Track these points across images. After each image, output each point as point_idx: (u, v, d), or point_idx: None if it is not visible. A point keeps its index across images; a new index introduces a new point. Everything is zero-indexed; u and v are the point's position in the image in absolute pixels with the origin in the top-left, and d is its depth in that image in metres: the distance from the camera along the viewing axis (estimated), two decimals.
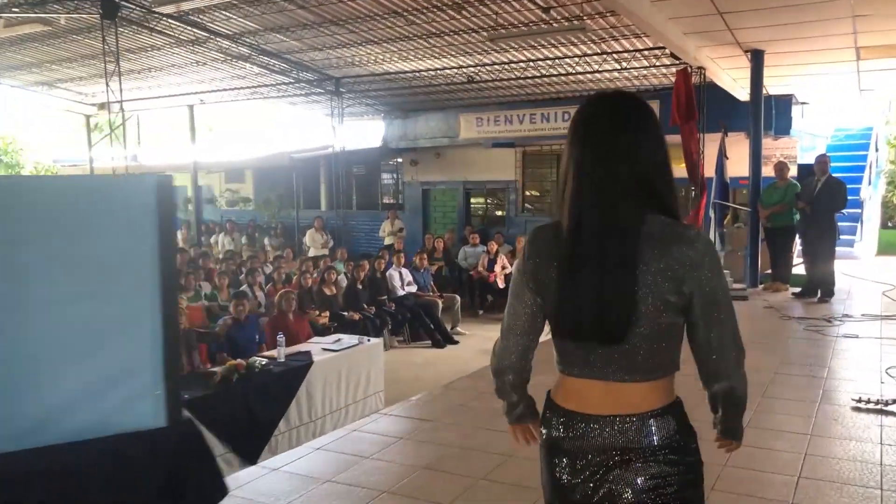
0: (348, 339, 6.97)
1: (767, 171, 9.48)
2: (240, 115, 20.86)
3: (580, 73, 11.26)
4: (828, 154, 8.99)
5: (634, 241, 1.45)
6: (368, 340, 6.93)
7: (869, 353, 5.93)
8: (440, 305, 10.59)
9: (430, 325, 10.23)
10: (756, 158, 9.14)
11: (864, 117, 14.04)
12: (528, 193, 15.71)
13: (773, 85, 10.59)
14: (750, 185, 9.27)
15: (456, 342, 10.17)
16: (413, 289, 10.66)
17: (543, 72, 11.43)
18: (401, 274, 10.58)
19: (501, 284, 12.25)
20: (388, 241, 14.85)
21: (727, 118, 10.47)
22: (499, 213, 16.11)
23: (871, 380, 5.16)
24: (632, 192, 1.48)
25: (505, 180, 15.59)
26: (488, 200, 16.37)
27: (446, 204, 16.65)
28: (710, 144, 10.17)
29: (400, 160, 16.78)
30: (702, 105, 9.93)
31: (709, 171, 9.93)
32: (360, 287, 9.80)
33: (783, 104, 11.42)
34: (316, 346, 6.71)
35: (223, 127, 21.81)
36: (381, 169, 17.27)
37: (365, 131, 16.63)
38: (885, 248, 13.18)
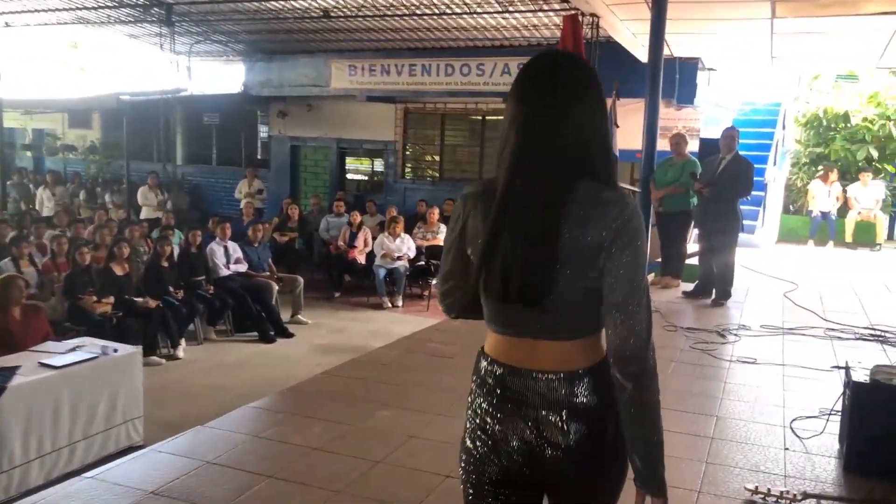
0: (90, 347, 5.04)
1: (667, 144, 8.03)
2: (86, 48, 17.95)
3: (458, 15, 9.47)
4: (736, 128, 7.54)
5: (562, 205, 1.43)
6: (115, 351, 5.02)
7: (769, 391, 4.50)
8: (275, 288, 8.72)
9: (260, 312, 8.37)
10: (651, 128, 7.62)
11: (773, 91, 12.90)
12: (417, 160, 13.91)
13: (678, 44, 9.10)
14: (643, 159, 7.77)
15: (290, 335, 8.35)
16: (242, 267, 8.72)
17: (416, 11, 9.57)
18: (226, 249, 8.60)
19: (362, 261, 10.49)
20: (244, 203, 12.79)
21: (625, 82, 8.93)
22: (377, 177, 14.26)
23: (771, 442, 3.70)
24: (570, 153, 1.45)
25: (384, 140, 13.71)
26: (375, 161, 14.43)
27: (318, 164, 14.64)
28: None
29: (264, 111, 14.60)
30: (593, 62, 8.33)
31: None
32: (164, 265, 7.79)
33: (688, 69, 9.99)
34: (32, 360, 4.76)
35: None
36: (244, 120, 15.03)
37: (224, 75, 14.34)
38: (786, 235, 12.16)
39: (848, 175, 12.09)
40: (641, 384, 1.44)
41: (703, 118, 10.77)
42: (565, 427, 1.45)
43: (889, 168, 12.23)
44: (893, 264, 10.05)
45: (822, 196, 11.65)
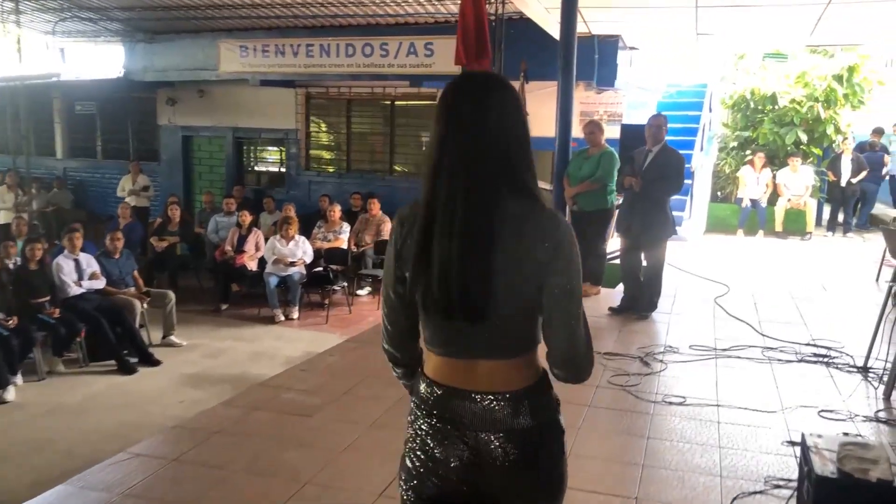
0: None
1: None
2: None
3: None
4: (664, 115, 6.56)
5: (492, 220, 1.44)
6: None
7: (701, 450, 3.58)
8: (139, 307, 7.46)
9: (122, 336, 7.11)
10: (565, 114, 6.68)
11: (699, 72, 12.19)
12: (322, 150, 12.69)
13: (596, 20, 8.19)
14: (556, 150, 6.82)
15: (157, 362, 7.11)
16: (99, 284, 7.39)
17: None
18: (77, 263, 7.27)
19: (253, 268, 9.28)
20: (129, 202, 11.36)
21: (539, 64, 7.98)
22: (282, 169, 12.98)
23: None
24: (492, 169, 1.46)
25: (284, 129, 12.45)
26: (283, 150, 13.10)
27: (213, 156, 13.27)
28: None
29: (153, 97, 13.12)
30: (499, 41, 7.31)
31: None
32: None
33: (608, 48, 9.10)
34: None
35: None
36: (132, 108, 13.48)
37: (104, 58, 12.75)
38: (715, 225, 11.50)
39: (776, 160, 11.49)
40: (575, 381, 1.57)
41: (626, 102, 9.95)
42: (503, 448, 1.47)
43: (817, 152, 11.69)
44: (826, 256, 9.47)
45: (752, 183, 11.02)
